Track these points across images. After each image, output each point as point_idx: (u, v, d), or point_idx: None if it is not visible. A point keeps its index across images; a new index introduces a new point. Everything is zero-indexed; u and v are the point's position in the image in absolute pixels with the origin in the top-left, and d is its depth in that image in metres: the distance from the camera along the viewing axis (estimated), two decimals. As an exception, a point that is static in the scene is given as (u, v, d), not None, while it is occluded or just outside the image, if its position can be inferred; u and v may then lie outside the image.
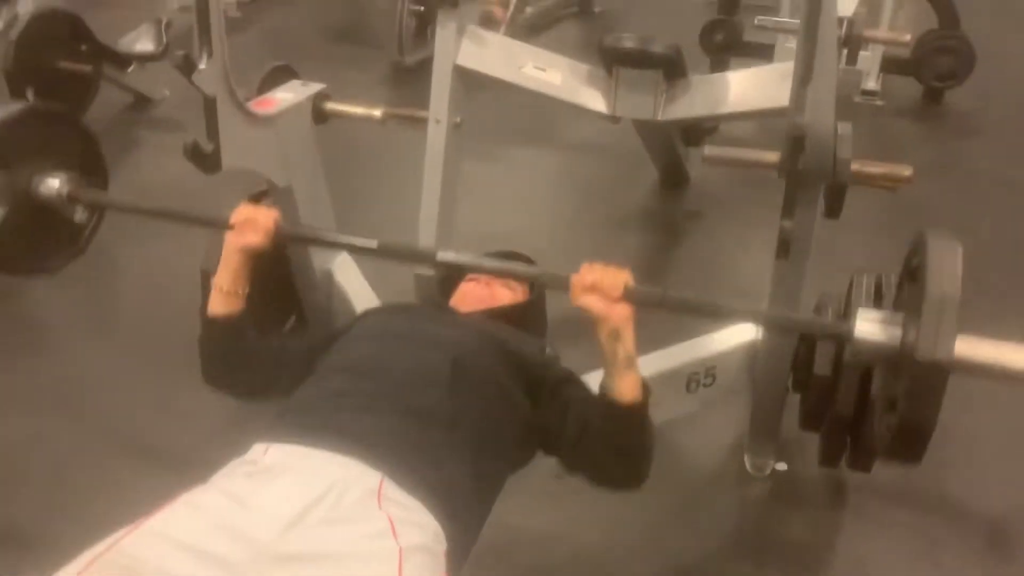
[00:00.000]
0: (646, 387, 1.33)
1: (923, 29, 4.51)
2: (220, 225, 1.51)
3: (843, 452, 1.82)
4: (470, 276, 1.74)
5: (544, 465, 1.80)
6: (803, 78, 1.31)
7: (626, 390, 1.30)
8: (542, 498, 1.93)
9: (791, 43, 4.12)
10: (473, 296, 1.66)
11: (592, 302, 1.29)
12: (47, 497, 1.94)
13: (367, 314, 1.64)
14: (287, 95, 1.95)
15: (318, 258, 2.16)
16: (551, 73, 2.58)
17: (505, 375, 1.43)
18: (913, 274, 1.30)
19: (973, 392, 2.28)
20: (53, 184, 1.68)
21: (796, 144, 1.34)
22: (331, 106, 2.02)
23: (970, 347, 1.15)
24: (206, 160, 1.64)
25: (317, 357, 1.52)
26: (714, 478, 2.07)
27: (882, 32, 2.68)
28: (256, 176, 1.92)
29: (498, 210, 3.35)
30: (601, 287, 1.29)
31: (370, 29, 5.66)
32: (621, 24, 5.92)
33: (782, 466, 2.06)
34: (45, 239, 1.76)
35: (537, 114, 4.02)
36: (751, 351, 1.91)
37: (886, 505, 1.98)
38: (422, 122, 2.53)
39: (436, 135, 2.63)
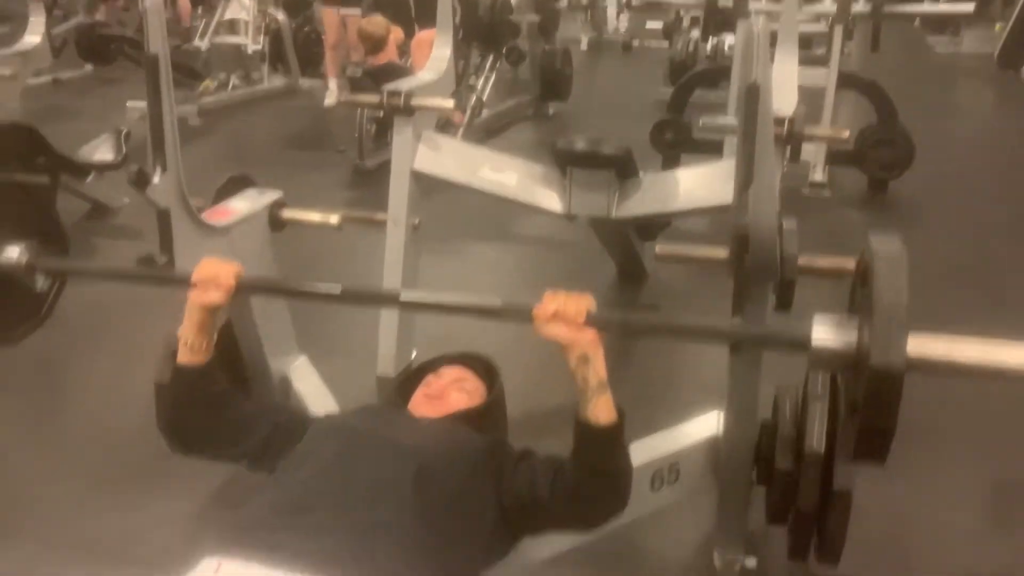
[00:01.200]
0: (620, 410, 1.34)
1: (863, 123, 4.73)
2: (181, 283, 1.53)
3: (810, 545, 1.80)
4: (431, 381, 1.73)
5: (511, 573, 1.77)
6: (744, 182, 1.35)
7: (601, 413, 1.32)
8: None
9: (738, 139, 4.27)
10: (428, 403, 1.65)
11: (557, 330, 1.31)
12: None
13: (329, 417, 1.62)
14: (243, 204, 1.97)
15: (275, 363, 2.14)
16: (506, 175, 2.65)
17: (470, 474, 1.41)
18: (864, 277, 1.29)
19: (938, 484, 2.32)
20: (12, 254, 1.68)
21: (740, 244, 1.38)
22: (287, 214, 2.03)
23: (924, 345, 1.17)
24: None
25: (277, 448, 1.51)
26: (683, 576, 2.03)
27: (823, 129, 2.81)
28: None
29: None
30: (564, 315, 1.30)
31: (330, 134, 5.77)
32: (574, 125, 6.12)
33: (751, 562, 2.02)
34: (5, 309, 1.74)
35: (495, 211, 4.08)
36: (714, 445, 1.91)
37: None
38: (381, 224, 2.56)
39: (395, 237, 2.66)
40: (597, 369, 1.31)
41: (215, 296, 1.50)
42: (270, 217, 2.01)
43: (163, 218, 1.63)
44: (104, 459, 2.39)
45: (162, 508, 2.18)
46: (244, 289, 1.55)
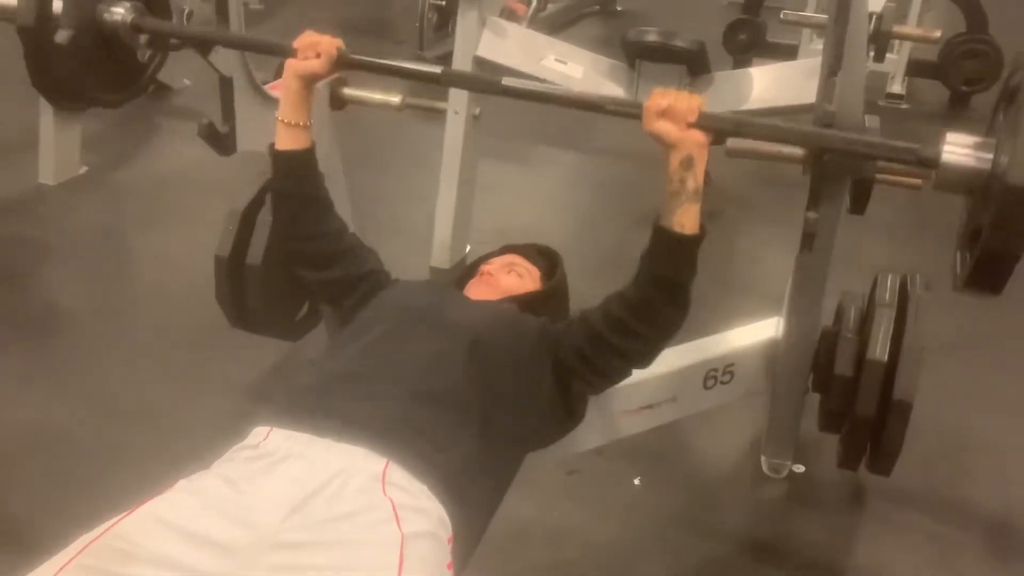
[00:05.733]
0: (703, 225, 1.31)
1: (951, 33, 4.45)
2: (283, 51, 1.51)
3: (863, 455, 1.78)
4: (483, 269, 1.71)
5: (557, 460, 1.78)
6: (832, 67, 1.27)
7: (687, 221, 1.28)
8: (555, 493, 1.91)
9: (815, 44, 4.08)
10: (486, 286, 1.63)
11: (666, 128, 1.26)
12: (55, 475, 1.93)
13: (393, 286, 1.60)
14: (305, 79, 1.93)
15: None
16: (572, 66, 2.56)
17: (523, 350, 1.40)
18: (1011, 95, 1.19)
19: (997, 399, 2.27)
20: (118, 12, 1.69)
21: (823, 133, 1.31)
22: (348, 92, 1.98)
23: None
24: (221, 141, 1.63)
25: (365, 291, 1.53)
26: (730, 478, 2.03)
27: (911, 28, 2.65)
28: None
29: (520, 207, 3.32)
30: (675, 112, 1.25)
31: (391, 24, 5.66)
32: (643, 22, 5.87)
33: (799, 468, 2.02)
34: (108, 70, 1.79)
35: (561, 117, 3.98)
36: (771, 349, 1.87)
37: (904, 509, 1.93)
38: (441, 113, 2.51)
39: (455, 126, 2.62)
40: (697, 175, 1.26)
41: (316, 64, 1.47)
42: (331, 94, 1.97)
43: (225, 86, 1.61)
44: (162, 328, 2.45)
45: (216, 378, 2.24)
46: (344, 62, 1.50)
